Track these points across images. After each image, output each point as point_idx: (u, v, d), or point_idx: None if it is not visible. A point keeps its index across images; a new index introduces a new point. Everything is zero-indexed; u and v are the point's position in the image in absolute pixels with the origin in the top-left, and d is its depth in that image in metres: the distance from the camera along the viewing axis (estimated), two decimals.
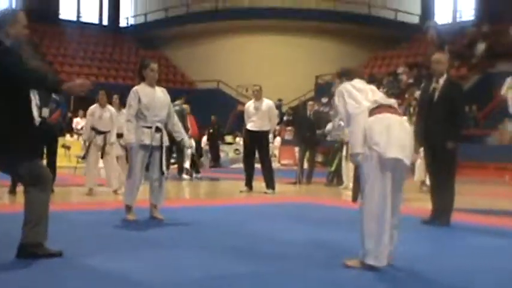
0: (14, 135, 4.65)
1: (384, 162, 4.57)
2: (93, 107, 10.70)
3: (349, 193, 12.36)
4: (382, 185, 4.58)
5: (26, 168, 4.77)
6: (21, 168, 4.79)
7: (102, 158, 10.73)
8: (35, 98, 9.90)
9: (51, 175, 5.19)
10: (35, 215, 4.82)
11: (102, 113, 10.62)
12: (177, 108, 11.65)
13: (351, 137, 4.81)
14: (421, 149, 13.21)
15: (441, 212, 7.34)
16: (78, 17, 36.43)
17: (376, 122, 4.61)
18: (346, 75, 5.08)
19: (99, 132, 10.58)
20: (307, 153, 14.60)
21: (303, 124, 15.00)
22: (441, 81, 7.38)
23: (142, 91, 7.19)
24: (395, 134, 4.57)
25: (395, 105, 4.86)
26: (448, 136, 7.24)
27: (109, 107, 10.79)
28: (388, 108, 4.72)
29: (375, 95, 4.84)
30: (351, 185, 12.90)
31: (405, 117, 13.52)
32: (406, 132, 4.74)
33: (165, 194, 7.48)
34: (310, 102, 16.18)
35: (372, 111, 4.67)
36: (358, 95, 4.76)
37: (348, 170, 13.13)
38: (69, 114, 18.12)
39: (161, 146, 7.17)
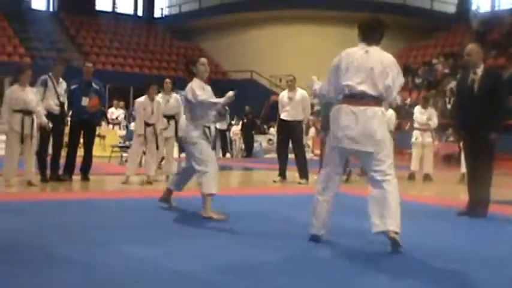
0: None
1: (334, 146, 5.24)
2: (143, 101, 10.66)
3: None
4: (330, 164, 5.31)
5: None
6: None
7: (157, 149, 10.74)
8: (56, 86, 10.06)
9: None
10: None
11: (153, 106, 10.63)
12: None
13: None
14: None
15: (478, 204, 7.25)
16: (114, 8, 36.72)
17: (336, 111, 5.18)
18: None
19: (148, 125, 10.62)
20: None
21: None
22: (479, 72, 7.25)
23: (200, 86, 6.76)
24: (343, 124, 5.07)
25: (367, 92, 5.03)
26: (489, 127, 7.15)
27: (157, 99, 10.81)
28: (351, 99, 5.06)
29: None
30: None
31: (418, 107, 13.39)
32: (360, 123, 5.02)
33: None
34: None
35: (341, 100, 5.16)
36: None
37: None
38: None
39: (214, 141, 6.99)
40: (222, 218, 6.43)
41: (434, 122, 13.17)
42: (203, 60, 6.96)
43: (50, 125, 9.71)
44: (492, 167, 7.32)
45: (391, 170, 5.14)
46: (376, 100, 5.07)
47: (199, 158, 6.60)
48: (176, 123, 11.21)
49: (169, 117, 11.23)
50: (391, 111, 13.28)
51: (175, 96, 11.40)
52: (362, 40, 5.28)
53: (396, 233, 4.93)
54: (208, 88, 6.85)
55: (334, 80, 5.23)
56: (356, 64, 5.10)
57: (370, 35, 5.25)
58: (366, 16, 5.48)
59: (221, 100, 6.57)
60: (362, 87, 5.03)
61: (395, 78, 5.11)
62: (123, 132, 17.89)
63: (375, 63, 5.07)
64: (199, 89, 6.66)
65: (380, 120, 5.06)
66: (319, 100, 5.46)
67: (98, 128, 13.26)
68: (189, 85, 6.74)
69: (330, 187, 5.29)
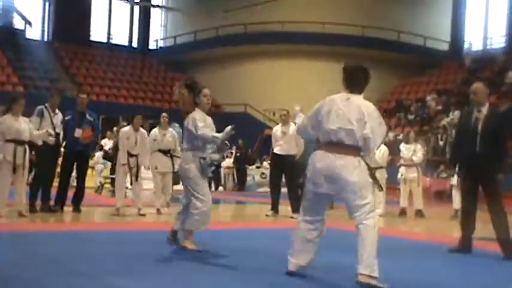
0: None
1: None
2: (127, 131, 10.76)
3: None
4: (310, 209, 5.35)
5: None
6: None
7: (136, 180, 10.75)
8: (52, 117, 10.06)
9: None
10: None
11: (136, 137, 10.68)
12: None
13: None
14: (455, 178, 13.21)
15: (504, 242, 7.15)
16: (109, 38, 36.87)
17: (314, 156, 5.26)
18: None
19: (131, 155, 10.64)
20: None
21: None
22: (484, 110, 7.22)
23: (202, 118, 6.65)
24: (320, 171, 5.13)
25: (344, 140, 5.08)
26: (495, 166, 7.15)
27: (141, 130, 10.85)
28: (329, 146, 5.14)
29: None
30: (377, 211, 12.88)
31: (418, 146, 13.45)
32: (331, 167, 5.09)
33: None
34: None
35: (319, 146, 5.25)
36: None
37: (374, 196, 13.05)
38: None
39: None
40: (196, 248, 6.44)
41: (419, 156, 13.20)
42: (206, 91, 6.89)
43: (52, 138, 9.66)
44: (503, 206, 7.23)
45: (368, 214, 5.02)
46: (353, 149, 5.09)
47: (195, 193, 6.51)
48: (172, 158, 11.24)
49: (165, 152, 11.25)
50: (383, 147, 13.34)
51: (171, 131, 11.47)
52: (346, 87, 5.31)
53: (370, 276, 4.82)
54: (210, 120, 6.77)
55: (314, 123, 5.33)
56: (336, 111, 5.15)
57: (353, 83, 5.29)
58: (351, 63, 5.43)
59: (220, 135, 6.45)
60: (340, 135, 5.08)
61: (375, 128, 5.12)
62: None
63: (354, 112, 5.10)
64: (201, 121, 6.56)
65: (355, 169, 5.06)
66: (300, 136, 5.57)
67: (90, 159, 13.25)
68: (191, 115, 6.64)
69: (313, 232, 5.36)
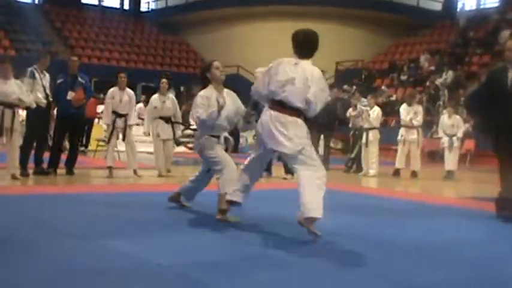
0: None
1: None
2: (112, 91, 10.75)
3: (369, 179, 12.37)
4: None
5: None
6: None
7: (123, 140, 10.76)
8: (42, 79, 10.01)
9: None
10: None
11: (122, 96, 10.66)
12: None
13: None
14: (445, 139, 13.24)
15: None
16: (100, 1, 36.49)
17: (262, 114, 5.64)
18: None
19: (119, 115, 10.63)
20: (322, 139, 14.54)
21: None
22: None
23: (205, 98, 6.41)
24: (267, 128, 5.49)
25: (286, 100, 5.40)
26: None
27: (128, 90, 10.82)
28: (274, 105, 5.49)
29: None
30: (370, 171, 12.98)
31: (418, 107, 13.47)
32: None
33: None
34: None
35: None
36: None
37: (367, 157, 13.12)
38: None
39: None
40: (233, 220, 6.11)
41: (419, 119, 13.22)
42: (216, 64, 6.72)
43: (34, 105, 9.62)
44: None
45: (309, 166, 5.37)
46: (295, 110, 5.39)
47: (214, 160, 6.38)
48: (173, 124, 11.21)
49: (166, 119, 11.21)
50: (377, 108, 13.37)
51: (171, 97, 11.37)
52: (295, 53, 5.61)
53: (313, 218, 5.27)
54: (214, 96, 6.40)
55: (264, 84, 5.63)
56: (282, 74, 5.44)
57: (303, 49, 5.60)
58: (302, 30, 5.76)
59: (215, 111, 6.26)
60: (283, 96, 5.39)
61: (317, 93, 5.36)
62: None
63: (300, 77, 5.37)
64: (201, 106, 6.33)
65: (296, 127, 5.38)
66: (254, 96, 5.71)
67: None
68: (195, 98, 6.48)
69: (252, 179, 5.91)
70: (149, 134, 11.21)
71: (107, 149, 10.97)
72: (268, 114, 5.50)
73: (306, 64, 5.46)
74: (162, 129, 11.12)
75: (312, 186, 5.29)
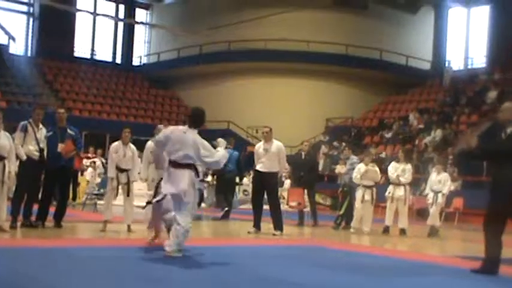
0: None
1: None
2: (116, 145, 10.75)
3: (358, 236, 12.35)
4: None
5: None
6: None
7: (128, 195, 10.69)
8: (36, 132, 10.04)
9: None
10: None
11: (126, 151, 10.68)
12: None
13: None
14: (431, 195, 13.31)
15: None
16: (93, 54, 36.82)
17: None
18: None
19: (122, 170, 10.62)
20: (306, 194, 14.62)
21: (298, 164, 15.07)
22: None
23: None
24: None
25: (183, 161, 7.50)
26: None
27: (131, 145, 10.84)
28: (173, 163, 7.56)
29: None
30: (365, 229, 12.93)
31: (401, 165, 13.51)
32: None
33: None
34: (305, 143, 16.17)
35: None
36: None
37: (358, 213, 13.12)
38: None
39: None
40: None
41: (407, 177, 13.27)
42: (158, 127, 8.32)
43: (24, 157, 9.64)
44: None
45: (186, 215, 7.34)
46: (188, 165, 7.47)
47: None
48: None
49: None
50: (376, 168, 13.38)
51: None
52: (187, 123, 7.77)
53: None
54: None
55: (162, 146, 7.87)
56: (176, 140, 7.56)
57: (193, 121, 7.78)
58: (196, 108, 8.20)
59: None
60: (178, 156, 7.50)
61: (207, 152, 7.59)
62: (99, 180, 17.84)
63: (189, 141, 7.53)
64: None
65: (187, 178, 7.41)
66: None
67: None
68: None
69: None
70: (146, 180, 11.17)
71: (105, 203, 10.90)
72: (170, 171, 7.61)
73: (193, 133, 7.63)
74: (158, 175, 11.11)
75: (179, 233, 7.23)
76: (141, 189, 11.37)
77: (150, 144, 11.19)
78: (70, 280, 5.60)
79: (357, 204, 13.11)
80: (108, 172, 10.79)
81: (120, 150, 10.64)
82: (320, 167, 16.35)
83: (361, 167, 13.12)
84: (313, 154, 15.67)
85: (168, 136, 7.65)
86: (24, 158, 9.65)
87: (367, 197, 13.06)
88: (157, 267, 6.66)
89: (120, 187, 10.76)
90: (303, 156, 14.99)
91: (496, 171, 7.32)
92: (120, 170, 10.61)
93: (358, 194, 13.12)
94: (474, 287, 6.67)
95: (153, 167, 11.05)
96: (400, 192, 13.23)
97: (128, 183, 10.65)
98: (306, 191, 14.51)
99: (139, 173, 10.88)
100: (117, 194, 10.82)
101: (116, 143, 10.79)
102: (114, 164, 10.62)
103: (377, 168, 13.32)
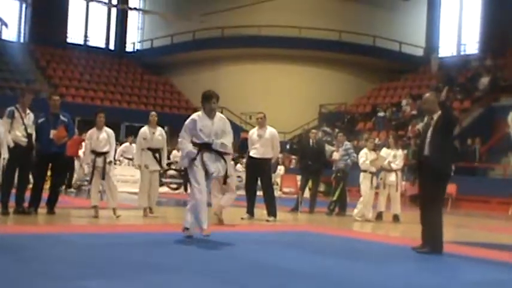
0: None
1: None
2: (91, 131, 10.84)
3: (352, 223, 12.38)
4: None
5: None
6: None
7: (103, 178, 10.69)
8: (24, 117, 10.00)
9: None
10: None
11: (99, 135, 10.70)
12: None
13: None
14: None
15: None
16: (86, 41, 36.70)
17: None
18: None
19: (98, 154, 10.64)
20: (310, 182, 14.65)
21: (306, 153, 14.95)
22: (435, 117, 7.84)
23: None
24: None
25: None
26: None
27: (106, 128, 10.85)
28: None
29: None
30: (369, 215, 12.97)
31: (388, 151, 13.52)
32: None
33: None
34: (313, 130, 16.13)
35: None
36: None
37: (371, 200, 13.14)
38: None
39: None
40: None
41: (398, 163, 13.26)
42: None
43: (12, 143, 9.63)
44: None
45: None
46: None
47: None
48: (161, 156, 11.27)
49: (154, 151, 11.26)
50: (382, 154, 13.34)
51: (160, 130, 11.42)
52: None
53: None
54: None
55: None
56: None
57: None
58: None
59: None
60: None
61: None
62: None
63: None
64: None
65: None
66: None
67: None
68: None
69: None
70: (139, 167, 11.21)
71: (90, 189, 10.93)
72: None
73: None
74: (151, 161, 11.16)
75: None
76: (133, 176, 11.39)
77: (143, 130, 11.23)
78: (63, 266, 5.61)
79: (367, 191, 13.00)
80: (84, 158, 10.91)
81: (94, 135, 10.69)
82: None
83: (368, 153, 13.09)
84: (320, 141, 15.44)
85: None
86: (12, 144, 9.61)
87: (374, 183, 13.08)
88: (149, 253, 6.67)
89: (96, 171, 10.74)
90: (311, 144, 14.93)
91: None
92: (97, 153, 10.64)
93: (366, 180, 13.03)
94: (469, 272, 6.72)
95: (146, 153, 11.11)
96: (391, 178, 13.24)
97: (104, 166, 10.66)
98: (310, 180, 14.52)
99: (132, 159, 10.93)
100: (101, 178, 10.75)
101: (91, 130, 10.88)
102: (89, 150, 10.75)
103: (383, 155, 13.28)
